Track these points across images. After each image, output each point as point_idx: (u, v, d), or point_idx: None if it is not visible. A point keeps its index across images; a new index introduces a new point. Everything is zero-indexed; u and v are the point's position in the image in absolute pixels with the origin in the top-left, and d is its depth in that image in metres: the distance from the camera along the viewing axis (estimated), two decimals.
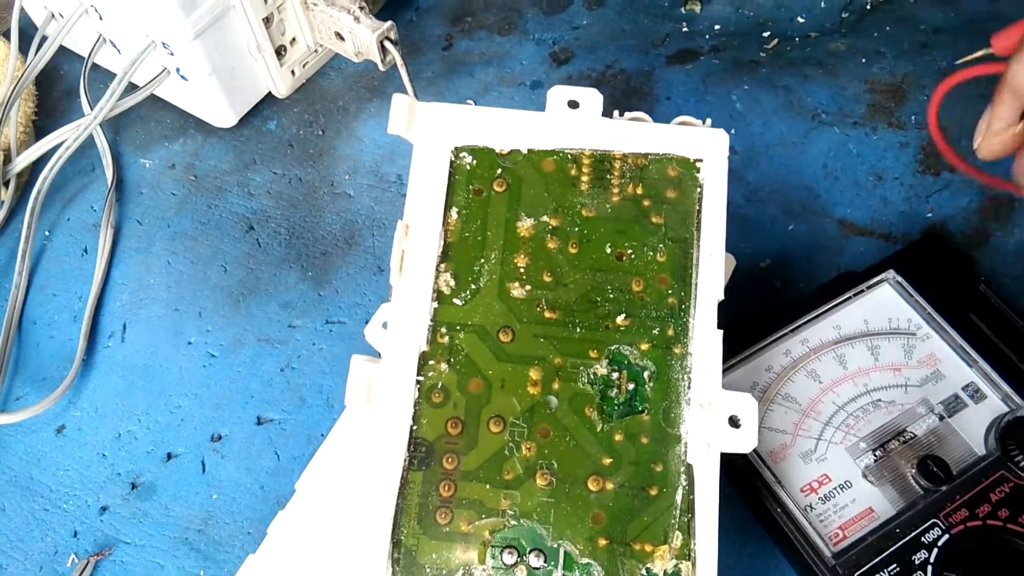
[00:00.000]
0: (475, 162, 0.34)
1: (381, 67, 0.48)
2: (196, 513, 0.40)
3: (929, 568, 0.35)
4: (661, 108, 0.51)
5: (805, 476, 0.37)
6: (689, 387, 0.31)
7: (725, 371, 0.40)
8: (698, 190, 0.33)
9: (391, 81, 0.54)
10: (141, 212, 0.50)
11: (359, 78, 0.54)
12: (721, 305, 0.32)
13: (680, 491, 0.30)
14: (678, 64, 0.53)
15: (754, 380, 0.40)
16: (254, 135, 0.52)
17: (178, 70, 0.49)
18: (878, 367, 0.40)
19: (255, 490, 0.41)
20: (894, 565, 0.35)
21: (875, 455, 0.37)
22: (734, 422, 0.31)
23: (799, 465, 0.37)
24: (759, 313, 0.43)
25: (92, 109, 0.48)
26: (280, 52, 0.51)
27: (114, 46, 0.50)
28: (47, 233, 0.50)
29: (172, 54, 0.47)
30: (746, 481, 0.37)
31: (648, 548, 0.29)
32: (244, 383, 0.43)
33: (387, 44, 0.47)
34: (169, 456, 0.42)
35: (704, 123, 0.33)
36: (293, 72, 0.53)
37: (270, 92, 0.53)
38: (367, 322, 0.33)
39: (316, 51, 0.53)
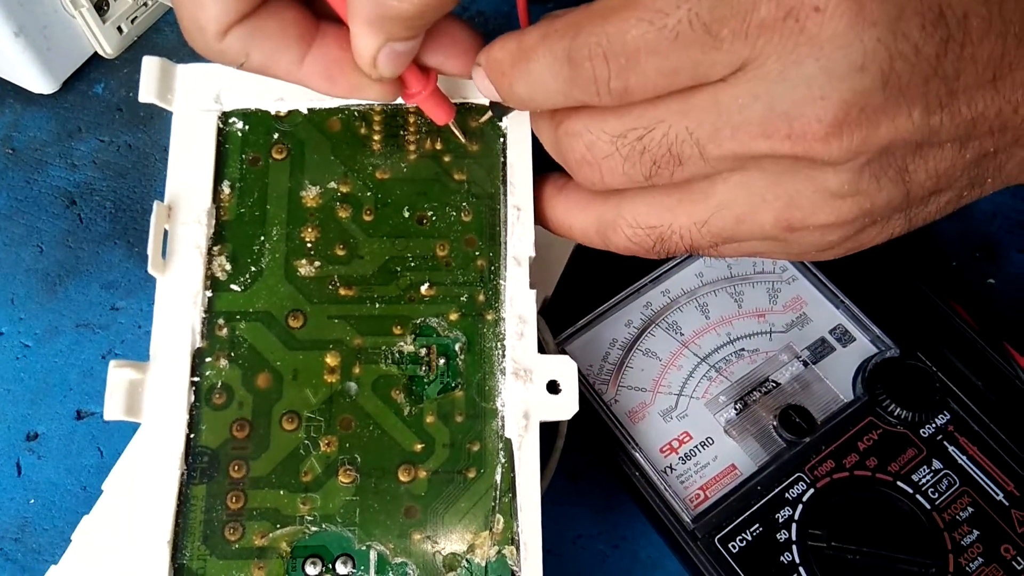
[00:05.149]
0: (248, 128, 0.30)
1: None
2: (11, 521, 0.37)
3: (794, 526, 0.33)
4: None
5: (665, 435, 0.35)
6: (503, 355, 0.28)
7: (580, 329, 0.37)
8: (501, 140, 0.30)
9: None
10: None
11: None
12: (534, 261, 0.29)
13: (499, 470, 0.27)
14: (538, 3, 0.48)
15: (613, 337, 0.37)
16: (79, 100, 0.47)
17: None
18: (741, 314, 0.37)
19: (76, 491, 0.37)
20: (756, 525, 0.33)
21: (735, 408, 0.35)
22: (553, 388, 0.28)
23: (659, 424, 0.35)
24: (618, 262, 0.40)
25: None
26: (101, 7, 0.46)
27: None
28: None
29: None
30: (603, 446, 0.35)
31: (468, 537, 0.27)
32: (61, 374, 0.39)
33: None
34: None
35: None
36: (120, 29, 0.48)
37: (97, 52, 0.48)
38: None
39: (146, 4, 0.48)
